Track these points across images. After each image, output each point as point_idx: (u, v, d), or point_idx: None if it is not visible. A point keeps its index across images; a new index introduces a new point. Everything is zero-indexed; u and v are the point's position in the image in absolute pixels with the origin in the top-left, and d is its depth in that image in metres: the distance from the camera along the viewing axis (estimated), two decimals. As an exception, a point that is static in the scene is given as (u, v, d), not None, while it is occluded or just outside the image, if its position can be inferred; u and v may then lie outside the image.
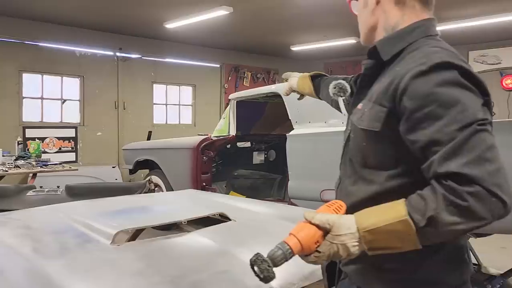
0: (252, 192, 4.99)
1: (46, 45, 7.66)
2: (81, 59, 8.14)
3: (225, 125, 5.12)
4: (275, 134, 5.71)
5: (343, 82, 1.36)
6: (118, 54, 8.58)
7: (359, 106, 1.12)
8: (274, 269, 0.92)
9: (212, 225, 1.98)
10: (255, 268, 0.91)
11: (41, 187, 3.85)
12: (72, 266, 1.43)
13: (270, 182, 5.46)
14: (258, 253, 0.92)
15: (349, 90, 1.34)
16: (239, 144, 5.56)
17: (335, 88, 1.35)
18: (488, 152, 0.88)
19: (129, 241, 1.82)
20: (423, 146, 0.94)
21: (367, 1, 1.16)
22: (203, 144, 4.95)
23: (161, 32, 8.10)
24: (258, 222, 2.12)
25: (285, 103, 4.18)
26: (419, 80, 0.95)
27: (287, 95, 1.83)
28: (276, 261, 0.91)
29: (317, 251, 0.93)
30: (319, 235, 0.93)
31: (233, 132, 5.01)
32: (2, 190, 3.38)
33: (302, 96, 1.79)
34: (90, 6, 6.54)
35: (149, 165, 6.04)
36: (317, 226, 0.93)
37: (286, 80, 1.84)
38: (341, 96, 1.34)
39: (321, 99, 1.70)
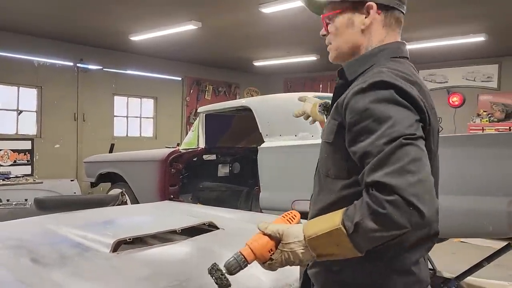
0: (219, 204, 5.01)
1: (3, 54, 7.39)
2: (39, 69, 7.90)
3: (193, 138, 5.17)
4: (241, 147, 5.82)
5: (328, 101, 1.47)
6: (78, 65, 8.41)
7: (327, 121, 1.20)
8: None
9: (198, 234, 2.05)
10: (212, 276, 1.02)
11: (8, 200, 3.73)
12: (78, 274, 1.46)
13: (237, 194, 5.54)
14: (214, 263, 1.02)
15: None
16: (205, 157, 5.62)
17: (320, 106, 1.47)
18: (411, 165, 0.93)
19: (113, 252, 1.85)
20: (359, 158, 1.01)
21: (353, 22, 1.18)
22: (171, 157, 4.97)
23: (124, 43, 8.05)
24: (244, 230, 2.21)
25: (256, 117, 4.31)
26: (358, 97, 1.03)
27: (297, 117, 1.85)
28: (231, 269, 1.02)
29: (270, 258, 1.02)
30: (272, 244, 1.02)
31: (202, 145, 5.07)
32: (-33, 204, 3.26)
33: (314, 120, 1.82)
34: (51, 15, 6.40)
35: (111, 178, 5.95)
36: (269, 236, 1.03)
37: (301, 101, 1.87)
38: (325, 114, 1.46)
39: None
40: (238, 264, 1.01)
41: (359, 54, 1.18)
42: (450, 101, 9.33)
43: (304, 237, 1.00)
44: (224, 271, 1.02)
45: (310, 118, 1.79)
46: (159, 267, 1.56)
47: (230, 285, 1.02)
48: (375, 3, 1.15)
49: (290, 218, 1.12)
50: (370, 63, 1.15)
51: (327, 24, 1.22)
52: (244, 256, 1.02)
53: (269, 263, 1.03)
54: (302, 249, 1.00)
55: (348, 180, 1.09)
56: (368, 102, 1.01)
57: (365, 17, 1.16)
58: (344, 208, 0.99)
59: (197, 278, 1.50)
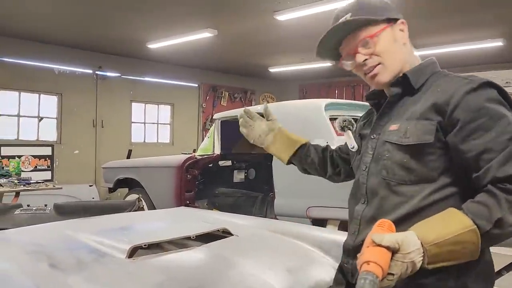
0: (234, 209, 5.04)
1: (24, 62, 7.60)
2: (59, 77, 8.11)
3: (209, 144, 5.22)
4: (256, 153, 5.84)
5: (348, 117, 1.44)
6: (97, 72, 8.59)
7: (393, 127, 1.19)
8: None
9: (212, 240, 2.07)
10: None
11: (28, 205, 3.81)
12: (94, 279, 1.50)
13: (252, 200, 5.56)
14: None
15: (354, 124, 1.44)
16: (221, 163, 5.66)
17: (344, 121, 1.42)
18: None
19: (129, 257, 1.88)
20: (476, 154, 1.03)
21: (395, 37, 1.22)
22: (188, 163, 5.02)
23: (141, 51, 8.19)
24: (258, 236, 2.23)
25: (271, 123, 4.33)
26: (470, 96, 1.06)
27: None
28: None
29: (389, 273, 0.92)
30: (390, 257, 0.93)
31: (217, 151, 5.11)
32: (-11, 209, 3.35)
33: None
34: (71, 24, 6.58)
35: (128, 183, 6.03)
36: (387, 247, 0.93)
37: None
38: (350, 129, 1.42)
39: (287, 164, 1.72)
40: (375, 284, 0.89)
41: (404, 70, 1.22)
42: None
43: (422, 244, 0.95)
44: None
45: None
46: (174, 273, 1.59)
47: None
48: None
49: (388, 227, 1.00)
50: (428, 73, 1.22)
51: (363, 47, 1.21)
52: (376, 274, 0.90)
53: (388, 280, 0.92)
54: (421, 257, 0.95)
55: (437, 183, 1.09)
56: (483, 100, 1.05)
57: (402, 32, 1.23)
58: (451, 209, 1.01)
59: (210, 284, 1.52)
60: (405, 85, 1.21)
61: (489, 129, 1.03)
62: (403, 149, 1.14)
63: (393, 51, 1.21)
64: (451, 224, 0.97)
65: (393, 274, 0.93)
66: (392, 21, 1.22)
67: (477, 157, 1.03)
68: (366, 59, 1.21)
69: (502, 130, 1.02)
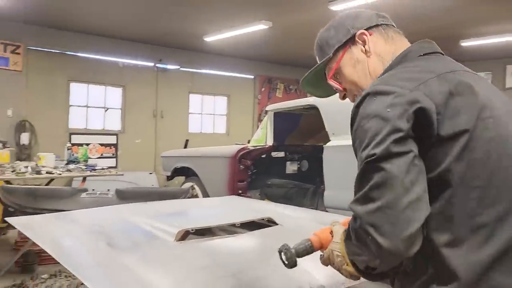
0: (286, 201, 5.11)
1: (93, 56, 8.14)
2: (123, 70, 8.57)
3: (262, 135, 5.31)
4: (309, 145, 5.85)
5: None
6: (158, 65, 8.97)
7: None
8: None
9: (257, 228, 2.15)
10: (282, 255, 1.11)
11: (93, 189, 4.14)
12: (146, 259, 1.64)
13: (303, 192, 5.57)
14: (285, 244, 1.12)
15: None
16: (273, 154, 5.73)
17: None
18: (373, 191, 0.84)
19: (177, 241, 2.01)
20: None
21: (355, 57, 1.11)
22: (241, 153, 5.15)
23: (199, 44, 8.43)
24: (302, 226, 2.28)
25: (322, 115, 4.33)
26: (355, 111, 0.94)
27: None
28: (299, 251, 1.10)
29: (321, 255, 1.07)
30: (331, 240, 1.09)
31: (270, 142, 5.19)
32: (60, 192, 3.69)
33: None
34: (134, 20, 6.94)
35: (185, 172, 6.28)
36: (331, 232, 1.08)
37: None
38: None
39: None
40: (306, 249, 1.10)
41: None
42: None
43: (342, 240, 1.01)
44: (293, 252, 1.10)
45: None
46: (218, 257, 1.69)
47: (296, 265, 1.11)
48: (363, 29, 1.11)
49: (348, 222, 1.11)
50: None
51: (339, 83, 1.17)
52: (312, 242, 1.10)
53: (320, 255, 1.08)
54: (338, 251, 1.01)
55: None
56: (359, 117, 0.92)
57: (363, 45, 1.10)
58: None
59: (252, 269, 1.60)
60: None
61: (357, 155, 0.92)
62: None
63: (359, 75, 1.11)
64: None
65: (322, 255, 1.07)
66: (346, 44, 1.12)
67: None
68: (344, 95, 1.18)
69: (359, 156, 0.89)
